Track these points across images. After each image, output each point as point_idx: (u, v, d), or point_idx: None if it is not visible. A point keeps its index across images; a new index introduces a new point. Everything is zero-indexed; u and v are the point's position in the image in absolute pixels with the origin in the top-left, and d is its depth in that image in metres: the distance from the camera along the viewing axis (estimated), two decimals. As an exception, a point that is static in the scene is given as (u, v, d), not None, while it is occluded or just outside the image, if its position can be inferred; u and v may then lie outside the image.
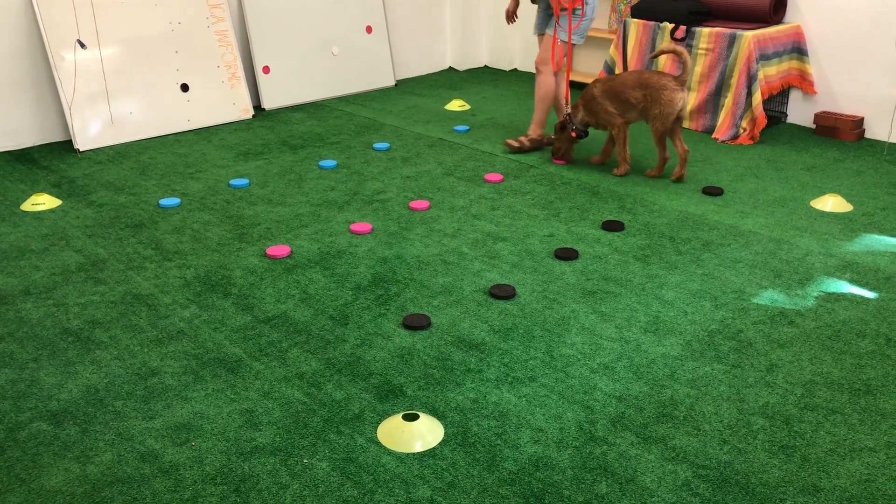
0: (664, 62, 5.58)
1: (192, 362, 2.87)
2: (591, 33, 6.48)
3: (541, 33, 5.02)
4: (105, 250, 3.78)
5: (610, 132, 4.68)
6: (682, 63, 4.39)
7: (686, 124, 5.57)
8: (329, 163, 4.90)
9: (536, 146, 5.15)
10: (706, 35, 5.31)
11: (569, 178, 4.63)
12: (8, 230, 4.01)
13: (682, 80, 4.38)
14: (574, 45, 4.94)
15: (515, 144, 5.07)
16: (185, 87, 5.63)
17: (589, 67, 6.84)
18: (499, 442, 2.44)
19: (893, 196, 4.34)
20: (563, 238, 3.85)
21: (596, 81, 4.65)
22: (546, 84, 4.97)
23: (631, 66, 5.77)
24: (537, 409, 2.59)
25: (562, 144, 4.83)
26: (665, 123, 4.38)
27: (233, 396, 2.67)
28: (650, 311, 3.18)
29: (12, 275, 3.54)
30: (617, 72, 5.82)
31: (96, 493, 2.25)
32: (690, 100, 5.49)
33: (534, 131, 5.12)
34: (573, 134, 4.72)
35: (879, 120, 5.25)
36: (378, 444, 2.44)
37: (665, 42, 5.50)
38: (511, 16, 5.20)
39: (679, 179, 4.57)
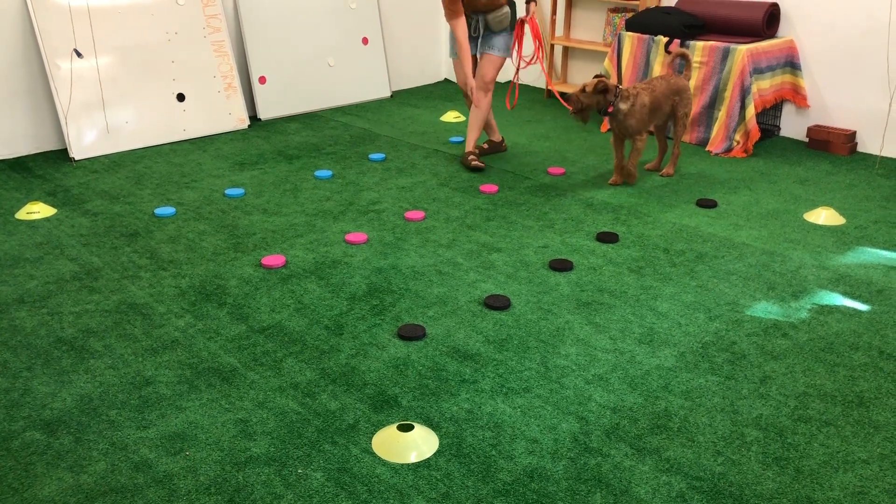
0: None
1: (186, 372, 2.86)
2: (584, 46, 6.53)
3: (472, 54, 4.93)
4: (100, 259, 3.77)
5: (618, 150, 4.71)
6: (687, 63, 4.75)
7: (680, 137, 5.60)
8: (324, 173, 4.91)
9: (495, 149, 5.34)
10: (700, 48, 5.34)
11: (563, 190, 4.65)
12: (2, 238, 4.00)
13: (688, 80, 4.84)
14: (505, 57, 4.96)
15: (481, 165, 4.99)
16: (181, 97, 5.64)
17: (584, 80, 6.88)
18: (493, 453, 2.44)
19: (885, 209, 4.37)
20: (557, 249, 3.87)
21: (644, 89, 4.59)
22: (488, 103, 4.97)
23: (626, 78, 5.80)
24: (532, 420, 2.59)
25: (590, 103, 4.54)
26: (688, 122, 4.80)
27: (227, 406, 2.67)
28: (644, 322, 3.19)
29: (6, 283, 3.53)
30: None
31: (89, 503, 2.24)
32: (684, 113, 5.53)
33: (473, 143, 5.08)
34: (609, 106, 4.52)
35: (872, 134, 5.29)
36: (373, 454, 2.44)
37: (659, 56, 5.54)
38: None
39: (668, 175, 4.84)
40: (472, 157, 5.02)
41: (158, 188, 4.71)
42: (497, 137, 5.34)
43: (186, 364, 2.91)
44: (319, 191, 4.67)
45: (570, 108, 4.60)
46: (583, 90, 4.53)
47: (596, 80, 4.52)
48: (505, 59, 4.96)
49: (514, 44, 5.04)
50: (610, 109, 4.54)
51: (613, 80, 5.71)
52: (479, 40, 4.95)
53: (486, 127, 5.22)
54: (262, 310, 3.30)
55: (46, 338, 3.09)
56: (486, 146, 5.27)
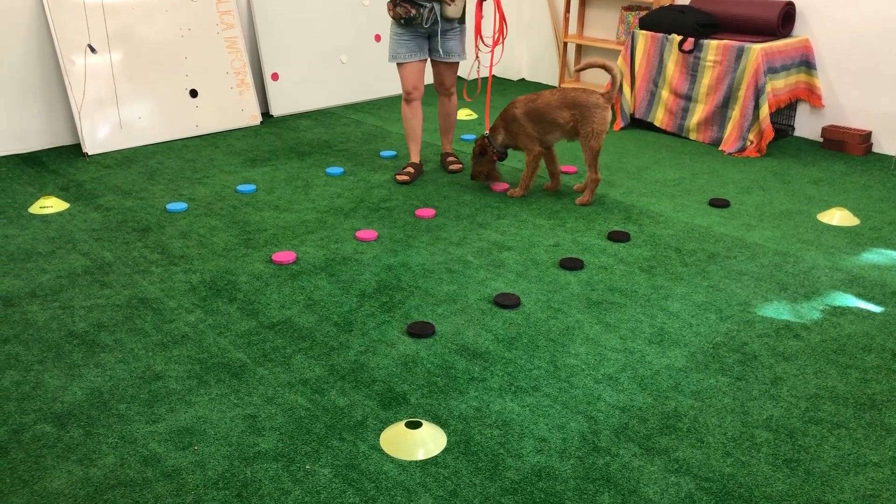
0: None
1: (196, 367, 2.87)
2: (597, 44, 6.50)
3: (420, 59, 4.55)
4: (111, 254, 3.79)
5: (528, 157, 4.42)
6: (612, 79, 4.21)
7: (693, 136, 5.57)
8: (336, 170, 4.92)
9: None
10: (714, 47, 5.31)
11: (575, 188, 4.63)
12: (15, 233, 4.03)
13: (609, 97, 4.21)
14: (459, 61, 4.66)
15: (458, 167, 4.84)
16: (193, 93, 5.66)
17: (596, 79, 6.86)
18: (501, 451, 2.43)
19: (900, 210, 4.33)
20: (568, 248, 3.85)
21: (517, 101, 4.36)
22: (455, 101, 4.81)
23: (639, 77, 5.77)
24: (540, 418, 2.58)
25: (483, 168, 4.56)
26: (600, 142, 4.21)
27: (236, 401, 2.67)
28: (655, 322, 3.17)
29: (19, 277, 3.55)
30: (625, 83, 5.83)
31: (99, 496, 2.25)
32: (698, 111, 5.50)
33: (449, 142, 4.97)
34: (494, 157, 4.49)
35: (887, 134, 5.25)
36: (380, 451, 2.44)
37: (673, 55, 5.51)
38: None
39: (552, 190, 4.58)
40: (451, 157, 4.94)
41: (170, 184, 4.73)
42: (418, 160, 4.85)
43: (196, 359, 2.92)
44: (331, 188, 4.67)
45: (471, 176, 4.65)
46: (473, 162, 4.56)
47: (476, 144, 4.50)
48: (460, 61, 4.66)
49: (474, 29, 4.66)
50: (496, 158, 4.49)
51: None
52: (433, 41, 4.51)
53: (414, 142, 4.80)
54: (272, 306, 3.30)
55: (58, 331, 3.11)
56: (411, 170, 4.76)
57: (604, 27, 6.69)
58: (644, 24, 5.73)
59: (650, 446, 2.45)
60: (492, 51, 4.59)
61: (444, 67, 4.65)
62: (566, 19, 6.72)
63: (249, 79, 5.90)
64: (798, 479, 2.32)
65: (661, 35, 5.59)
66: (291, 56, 6.17)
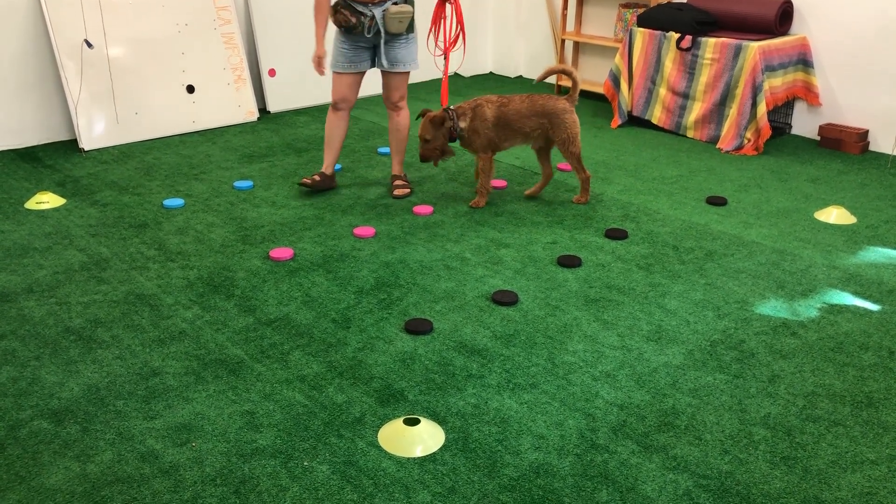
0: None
1: (193, 363, 2.86)
2: (596, 41, 6.50)
3: (358, 72, 4.26)
4: (108, 250, 3.78)
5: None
6: (573, 83, 4.20)
7: (690, 134, 5.58)
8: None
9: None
10: (712, 45, 5.31)
11: (572, 186, 4.63)
12: (12, 228, 4.02)
13: (573, 101, 4.20)
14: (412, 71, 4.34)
15: (407, 192, 4.48)
16: (190, 89, 5.64)
17: (594, 76, 6.86)
18: (499, 448, 2.43)
19: (897, 209, 4.34)
20: (566, 245, 3.85)
21: (488, 102, 4.16)
22: (406, 116, 4.45)
23: (637, 75, 5.77)
24: (538, 415, 2.58)
25: (437, 144, 4.14)
26: (578, 145, 4.16)
27: (234, 398, 2.67)
28: (652, 319, 3.18)
29: (15, 273, 3.54)
30: (622, 81, 5.83)
31: (96, 493, 2.25)
32: (696, 109, 5.50)
33: (400, 168, 4.59)
34: (453, 134, 4.13)
35: (884, 133, 5.26)
36: (379, 448, 2.43)
37: (670, 52, 5.51)
38: (321, 64, 4.25)
39: (533, 196, 4.42)
40: (399, 181, 4.53)
41: (167, 179, 4.72)
42: (330, 171, 4.53)
43: (194, 355, 2.91)
44: (328, 184, 4.66)
45: (421, 158, 4.21)
46: (423, 139, 4.14)
47: (431, 115, 4.12)
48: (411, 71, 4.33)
49: (431, 29, 4.51)
50: (452, 136, 4.16)
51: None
52: (378, 51, 4.19)
53: (330, 152, 4.47)
54: (270, 302, 3.30)
55: (54, 327, 3.10)
56: (317, 178, 4.46)
57: (601, 24, 6.68)
58: (642, 22, 5.73)
59: (648, 443, 2.46)
60: (446, 56, 4.46)
61: (391, 78, 4.29)
62: (564, 16, 6.71)
63: (246, 75, 5.89)
64: (795, 477, 2.33)
65: (658, 33, 5.59)
66: (289, 52, 6.15)
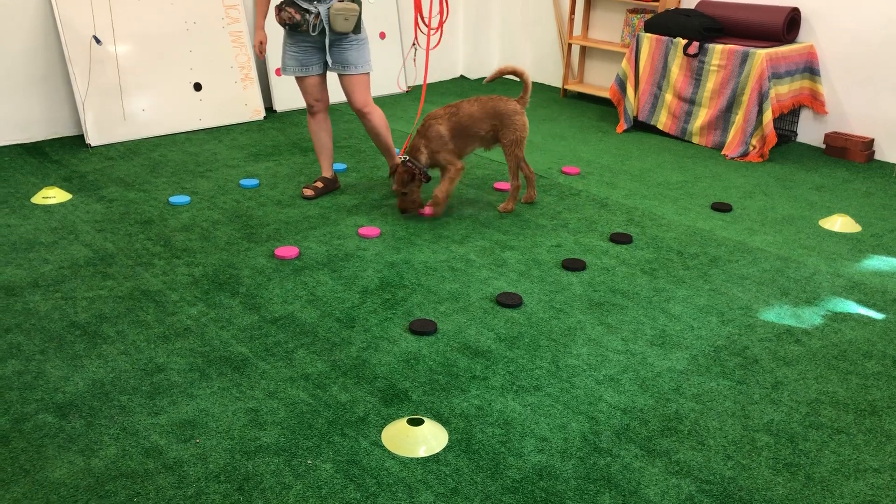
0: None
1: (198, 360, 2.87)
2: (603, 46, 6.51)
3: (313, 74, 4.15)
4: (114, 245, 3.79)
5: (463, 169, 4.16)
6: (524, 85, 4.15)
7: (696, 140, 5.58)
8: (339, 166, 4.91)
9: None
10: (719, 52, 5.32)
11: (577, 189, 4.64)
12: (18, 222, 4.03)
13: (524, 103, 4.16)
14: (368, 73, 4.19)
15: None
16: (198, 87, 5.65)
17: (601, 80, 6.86)
18: (503, 450, 2.44)
19: (902, 218, 4.34)
20: (570, 249, 3.86)
21: (436, 115, 4.08)
22: (381, 116, 4.30)
23: (643, 80, 5.78)
24: (542, 418, 2.59)
25: (414, 197, 4.13)
26: (523, 148, 4.15)
27: (238, 395, 2.68)
28: (656, 324, 3.18)
29: (21, 267, 3.55)
30: (629, 86, 5.84)
31: (100, 487, 2.25)
32: (702, 115, 5.51)
33: (393, 160, 4.40)
34: (424, 180, 4.10)
35: (890, 142, 5.26)
36: (382, 447, 2.44)
37: (677, 58, 5.52)
38: (263, 50, 4.19)
39: (531, 201, 4.38)
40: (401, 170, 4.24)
41: (173, 176, 4.73)
42: (330, 174, 4.52)
43: (198, 352, 2.92)
44: (333, 184, 4.67)
45: (400, 211, 4.19)
46: (400, 194, 4.11)
47: (399, 172, 4.04)
48: (370, 73, 4.17)
49: (417, 14, 4.35)
50: (426, 179, 4.10)
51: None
52: (328, 53, 4.06)
53: (323, 156, 4.45)
54: (275, 300, 3.30)
55: (60, 322, 3.10)
56: (319, 184, 4.45)
57: (609, 29, 6.69)
58: (649, 27, 5.73)
59: (651, 448, 2.46)
60: (426, 43, 4.33)
61: (345, 82, 4.15)
62: (571, 20, 6.72)
63: (254, 73, 5.90)
64: (798, 484, 2.33)
65: (666, 38, 5.60)
66: (296, 51, 6.16)
